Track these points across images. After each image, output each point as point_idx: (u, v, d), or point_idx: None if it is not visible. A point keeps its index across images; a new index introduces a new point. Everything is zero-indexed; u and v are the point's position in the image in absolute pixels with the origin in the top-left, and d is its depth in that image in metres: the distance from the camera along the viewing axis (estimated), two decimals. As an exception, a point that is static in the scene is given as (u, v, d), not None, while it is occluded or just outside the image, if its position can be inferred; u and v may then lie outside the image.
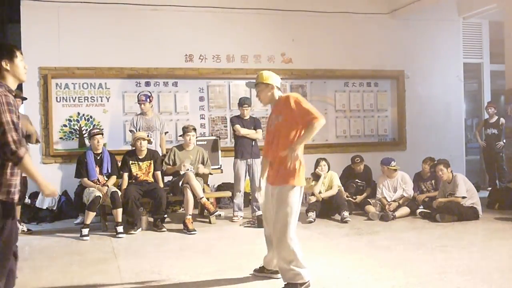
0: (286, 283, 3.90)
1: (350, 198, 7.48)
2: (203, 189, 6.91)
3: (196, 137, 7.82)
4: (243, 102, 7.29)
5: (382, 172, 7.58)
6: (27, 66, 3.22)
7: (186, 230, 6.36)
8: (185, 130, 7.12)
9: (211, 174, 7.43)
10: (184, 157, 7.05)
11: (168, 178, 7.35)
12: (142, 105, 7.32)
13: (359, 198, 7.61)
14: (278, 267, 4.06)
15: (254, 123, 7.31)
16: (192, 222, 6.46)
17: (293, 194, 3.92)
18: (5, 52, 3.10)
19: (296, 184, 3.93)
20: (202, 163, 7.15)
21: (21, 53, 3.19)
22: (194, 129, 7.22)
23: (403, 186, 7.43)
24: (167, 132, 7.84)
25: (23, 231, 6.44)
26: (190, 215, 6.56)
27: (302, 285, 3.87)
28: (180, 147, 7.20)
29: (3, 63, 3.08)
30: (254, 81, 4.17)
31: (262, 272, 4.35)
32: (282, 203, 3.90)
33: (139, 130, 7.23)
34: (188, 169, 6.89)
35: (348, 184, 7.73)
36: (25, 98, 6.67)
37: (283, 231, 3.88)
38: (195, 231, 6.33)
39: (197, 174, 7.00)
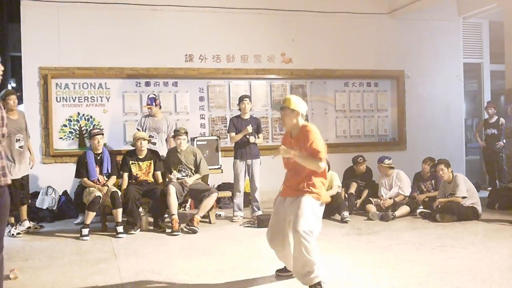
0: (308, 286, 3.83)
1: (351, 200, 7.48)
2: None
3: (195, 138, 7.83)
4: (243, 97, 7.32)
5: (379, 171, 7.61)
6: (2, 67, 3.22)
7: (171, 230, 6.27)
8: (176, 133, 6.95)
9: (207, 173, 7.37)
10: (176, 160, 6.92)
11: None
12: (149, 109, 7.41)
13: (358, 202, 7.62)
14: (293, 271, 3.96)
15: (255, 124, 7.28)
16: (178, 223, 6.36)
17: (313, 202, 3.91)
18: None
19: (317, 197, 3.93)
20: (195, 164, 6.97)
21: None
22: (186, 133, 7.07)
23: (398, 183, 7.45)
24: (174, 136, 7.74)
25: (29, 227, 6.55)
26: (174, 214, 6.41)
27: (320, 284, 3.81)
28: (174, 150, 7.02)
29: None
30: (280, 103, 4.13)
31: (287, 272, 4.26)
32: (303, 207, 3.85)
33: (144, 131, 7.27)
34: (177, 178, 6.81)
35: (350, 183, 7.71)
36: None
37: (305, 228, 3.76)
38: (179, 232, 6.22)
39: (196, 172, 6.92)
